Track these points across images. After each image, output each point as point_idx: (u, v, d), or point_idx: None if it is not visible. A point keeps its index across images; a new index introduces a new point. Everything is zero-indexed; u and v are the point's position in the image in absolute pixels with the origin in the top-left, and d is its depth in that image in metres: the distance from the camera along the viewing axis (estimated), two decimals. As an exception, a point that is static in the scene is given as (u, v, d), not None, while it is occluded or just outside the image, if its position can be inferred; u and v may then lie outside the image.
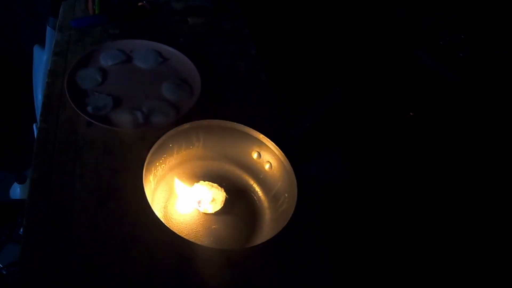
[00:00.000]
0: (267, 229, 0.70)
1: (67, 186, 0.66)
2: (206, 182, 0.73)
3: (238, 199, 0.74)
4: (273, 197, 0.73)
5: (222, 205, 0.71)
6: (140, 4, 1.04)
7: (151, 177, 0.69)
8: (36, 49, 1.29)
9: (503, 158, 1.41)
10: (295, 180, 0.66)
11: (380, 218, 1.36)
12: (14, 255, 1.07)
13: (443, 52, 1.54)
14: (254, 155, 0.75)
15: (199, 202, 0.71)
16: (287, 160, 0.69)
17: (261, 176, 0.76)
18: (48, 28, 1.16)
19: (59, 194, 0.65)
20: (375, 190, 1.43)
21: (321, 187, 1.40)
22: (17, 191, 1.45)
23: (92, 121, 0.75)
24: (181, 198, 0.72)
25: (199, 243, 0.64)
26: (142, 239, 0.62)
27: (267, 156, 0.73)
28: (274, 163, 0.72)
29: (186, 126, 0.72)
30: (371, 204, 1.40)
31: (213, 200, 0.71)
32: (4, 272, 1.05)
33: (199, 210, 0.71)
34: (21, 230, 1.08)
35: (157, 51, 0.93)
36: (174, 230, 0.60)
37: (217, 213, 0.71)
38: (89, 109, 0.78)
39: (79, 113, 0.76)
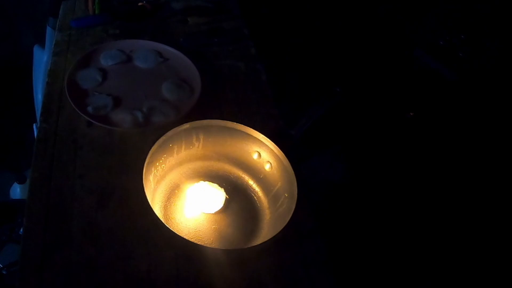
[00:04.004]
0: (267, 229, 0.70)
1: (67, 186, 0.66)
2: (206, 182, 0.73)
3: (238, 199, 0.74)
4: (273, 197, 0.73)
5: (222, 205, 0.71)
6: (140, 4, 1.04)
7: (151, 177, 0.69)
8: (36, 49, 1.29)
9: (503, 157, 1.41)
10: (295, 180, 0.66)
11: (380, 217, 1.36)
12: (14, 255, 1.07)
13: (443, 52, 1.54)
14: (254, 155, 0.75)
15: (199, 202, 0.71)
16: (287, 160, 0.69)
17: (261, 176, 0.76)
18: (48, 28, 1.16)
19: (59, 194, 0.65)
20: (375, 190, 1.43)
21: (321, 187, 1.41)
22: (17, 191, 1.45)
23: (92, 121, 0.75)
24: (182, 198, 0.72)
25: (199, 243, 0.64)
26: (142, 239, 0.62)
27: (267, 156, 0.73)
28: (274, 163, 0.72)
29: (186, 126, 0.72)
30: (371, 204, 1.40)
31: (213, 200, 0.71)
32: (4, 272, 1.05)
33: (199, 210, 0.71)
34: (21, 230, 1.08)
35: (157, 51, 0.93)
36: (174, 230, 0.60)
37: (217, 213, 0.71)
38: (89, 109, 0.78)
39: (79, 113, 0.76)
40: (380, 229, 1.34)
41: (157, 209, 0.70)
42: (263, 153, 0.74)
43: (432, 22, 1.58)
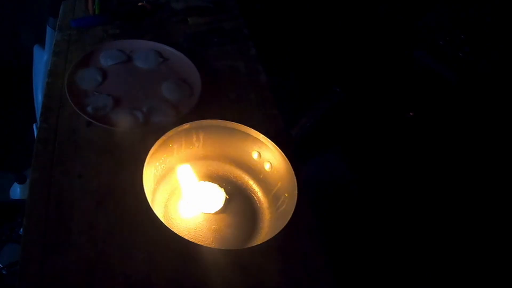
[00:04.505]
0: (267, 229, 0.70)
1: (67, 186, 0.66)
2: (206, 182, 0.73)
3: (238, 199, 0.74)
4: (273, 197, 0.73)
5: (222, 205, 0.71)
6: (140, 4, 1.04)
7: (151, 177, 0.69)
8: (36, 49, 1.29)
9: (503, 158, 1.41)
10: (295, 180, 0.66)
11: (380, 217, 1.36)
12: (14, 255, 1.07)
13: (443, 52, 1.54)
14: (254, 155, 0.75)
15: (199, 202, 0.71)
16: (287, 160, 0.69)
17: (261, 176, 0.76)
18: (48, 28, 1.17)
19: (59, 194, 0.65)
20: (375, 190, 1.43)
21: (321, 187, 1.40)
22: (17, 191, 1.45)
23: (92, 121, 0.75)
24: (182, 198, 0.72)
25: (199, 243, 0.64)
26: (142, 239, 0.62)
27: (267, 156, 0.73)
28: (274, 163, 0.72)
29: (186, 126, 0.72)
30: (371, 203, 1.40)
31: (213, 200, 0.71)
32: (4, 272, 1.05)
33: (199, 210, 0.71)
34: (21, 230, 1.08)
35: (157, 51, 0.93)
36: (174, 230, 0.60)
37: (217, 213, 0.71)
38: (89, 109, 0.78)
39: (79, 113, 0.76)
40: (381, 229, 1.34)
41: (157, 209, 0.70)
42: (263, 153, 0.74)
43: (432, 22, 1.58)
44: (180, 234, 0.60)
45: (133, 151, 0.72)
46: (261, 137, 0.72)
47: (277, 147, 0.71)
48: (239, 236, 0.70)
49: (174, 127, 0.71)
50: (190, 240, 0.63)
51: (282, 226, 0.61)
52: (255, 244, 0.65)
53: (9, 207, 1.21)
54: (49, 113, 0.77)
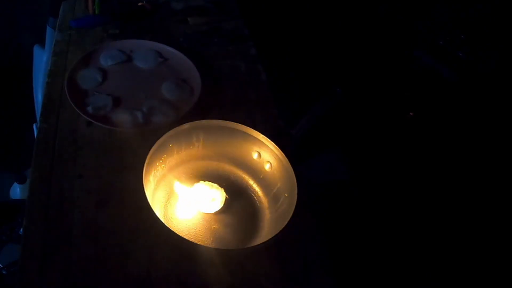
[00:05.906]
0: (267, 229, 0.70)
1: (67, 186, 0.66)
2: (206, 182, 0.73)
3: (238, 199, 0.74)
4: (273, 197, 0.73)
5: (222, 205, 0.71)
6: (140, 4, 1.04)
7: (151, 177, 0.69)
8: (36, 49, 1.29)
9: (503, 158, 1.41)
10: (295, 180, 0.66)
11: (380, 218, 1.36)
12: (14, 255, 1.07)
13: (443, 52, 1.54)
14: (254, 155, 0.75)
15: (199, 202, 0.71)
16: (287, 160, 0.69)
17: (261, 176, 0.76)
18: (48, 28, 1.17)
19: (59, 194, 0.65)
20: (375, 190, 1.43)
21: (321, 187, 1.40)
22: (17, 191, 1.45)
23: (92, 121, 0.75)
24: (182, 198, 0.72)
25: (199, 243, 0.64)
26: (142, 239, 0.62)
27: (267, 156, 0.73)
28: (274, 163, 0.72)
29: (186, 126, 0.72)
30: (371, 204, 1.40)
31: (213, 200, 0.71)
32: (4, 272, 1.06)
33: (199, 210, 0.71)
34: (21, 230, 1.08)
35: (157, 51, 0.93)
36: (174, 230, 0.60)
37: (217, 213, 0.71)
38: (89, 109, 0.78)
39: (79, 113, 0.76)
40: (381, 229, 1.34)
41: (157, 209, 0.70)
42: (263, 153, 0.74)
43: (432, 22, 1.58)
44: (180, 234, 0.60)
45: (133, 151, 0.72)
46: (261, 137, 0.72)
47: (277, 147, 0.71)
48: (239, 236, 0.70)
49: (174, 127, 0.71)
50: (190, 240, 0.63)
51: (282, 226, 0.61)
52: (255, 244, 0.65)
53: (9, 207, 1.21)
54: (49, 113, 0.77)
